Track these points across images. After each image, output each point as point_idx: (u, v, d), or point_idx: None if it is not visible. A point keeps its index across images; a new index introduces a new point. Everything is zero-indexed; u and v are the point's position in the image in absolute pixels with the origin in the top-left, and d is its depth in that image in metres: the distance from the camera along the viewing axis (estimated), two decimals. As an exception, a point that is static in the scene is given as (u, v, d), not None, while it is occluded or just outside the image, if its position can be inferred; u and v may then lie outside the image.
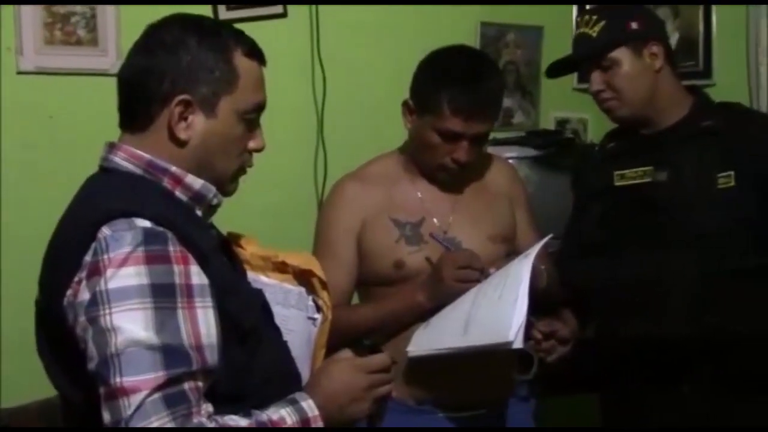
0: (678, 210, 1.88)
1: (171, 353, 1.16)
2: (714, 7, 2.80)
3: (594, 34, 1.91)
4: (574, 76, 2.72)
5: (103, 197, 1.28)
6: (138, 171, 1.31)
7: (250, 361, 1.31)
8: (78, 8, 2.51)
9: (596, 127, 2.95)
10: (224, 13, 2.63)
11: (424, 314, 1.89)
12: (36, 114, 2.50)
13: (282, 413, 1.27)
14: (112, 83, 1.38)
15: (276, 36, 2.64)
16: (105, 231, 1.21)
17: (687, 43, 2.84)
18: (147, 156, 1.32)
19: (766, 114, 2.38)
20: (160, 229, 1.22)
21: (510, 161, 2.28)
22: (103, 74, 2.45)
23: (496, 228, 2.00)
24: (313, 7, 2.75)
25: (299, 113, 2.77)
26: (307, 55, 2.77)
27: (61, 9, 2.50)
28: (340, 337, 1.54)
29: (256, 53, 1.37)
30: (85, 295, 1.19)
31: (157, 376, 1.15)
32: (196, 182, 1.34)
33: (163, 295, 1.18)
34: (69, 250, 1.24)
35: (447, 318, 1.84)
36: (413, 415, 1.91)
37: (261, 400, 1.29)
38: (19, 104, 2.47)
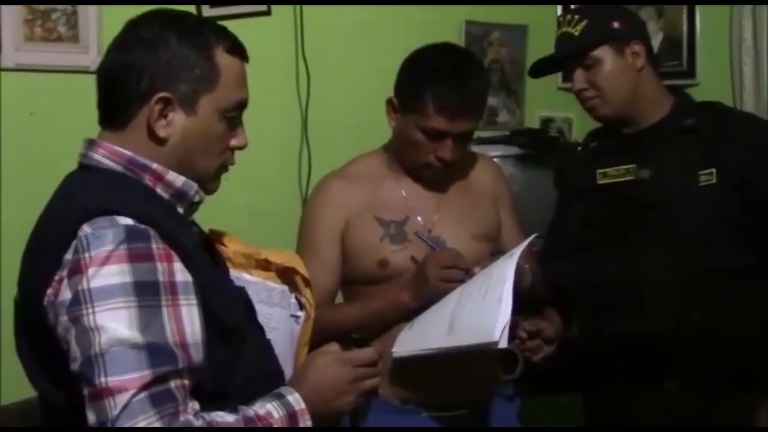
0: (661, 207, 1.89)
1: (156, 352, 1.15)
2: (698, 8, 2.82)
3: (576, 33, 1.92)
4: (559, 75, 2.73)
5: (84, 195, 1.26)
6: (118, 168, 1.30)
7: (234, 360, 1.30)
8: (59, 5, 2.48)
9: (581, 127, 2.96)
10: (208, 11, 2.62)
11: (409, 314, 1.88)
12: (16, 111, 2.47)
13: (268, 408, 1.27)
14: (93, 80, 1.36)
15: (260, 34, 2.62)
16: (86, 229, 1.20)
17: (671, 43, 2.85)
18: (128, 153, 1.30)
19: (747, 113, 2.39)
20: (143, 226, 1.21)
21: (495, 160, 2.28)
22: (84, 71, 2.43)
23: (480, 227, 2.00)
24: (298, 5, 2.74)
25: (283, 112, 2.76)
26: (291, 53, 2.76)
27: (42, 5, 2.47)
28: (324, 336, 1.53)
29: (238, 50, 1.36)
30: (66, 295, 1.18)
31: (143, 375, 1.14)
32: (177, 179, 1.32)
33: (147, 293, 1.17)
34: (49, 249, 1.23)
35: (432, 318, 1.84)
36: (397, 415, 1.90)
37: (245, 398, 1.28)
38: (-1, 101, 2.44)
